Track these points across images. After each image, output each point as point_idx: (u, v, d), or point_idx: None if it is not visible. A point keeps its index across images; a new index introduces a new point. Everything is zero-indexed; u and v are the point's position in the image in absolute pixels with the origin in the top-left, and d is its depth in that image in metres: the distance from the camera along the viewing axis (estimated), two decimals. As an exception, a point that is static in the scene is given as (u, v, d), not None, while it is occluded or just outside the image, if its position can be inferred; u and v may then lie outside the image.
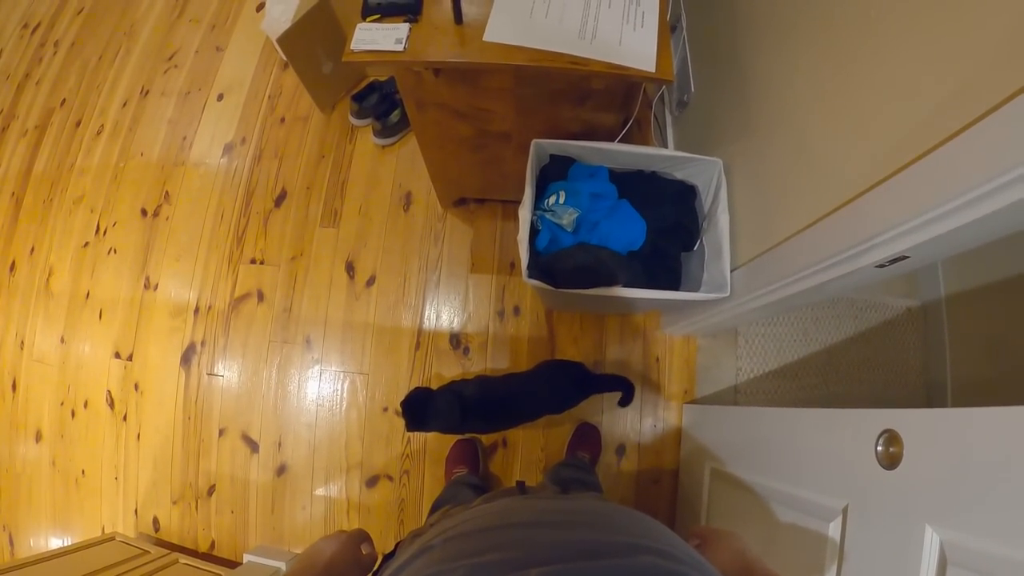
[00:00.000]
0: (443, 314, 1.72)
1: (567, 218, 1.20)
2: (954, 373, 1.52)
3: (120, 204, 2.06)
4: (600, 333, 1.68)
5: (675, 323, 1.60)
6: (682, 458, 1.62)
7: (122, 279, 1.95)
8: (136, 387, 1.85)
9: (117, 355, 1.89)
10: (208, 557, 1.70)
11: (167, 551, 1.68)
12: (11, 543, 1.90)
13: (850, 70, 0.82)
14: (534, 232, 1.24)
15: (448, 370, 1.67)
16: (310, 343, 1.74)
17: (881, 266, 0.77)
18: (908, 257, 0.73)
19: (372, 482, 1.64)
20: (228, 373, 1.77)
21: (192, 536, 1.74)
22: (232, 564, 1.67)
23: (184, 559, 1.65)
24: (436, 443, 1.64)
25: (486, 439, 1.65)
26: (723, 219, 1.21)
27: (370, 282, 1.76)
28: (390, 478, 1.64)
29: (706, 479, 1.42)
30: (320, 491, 1.66)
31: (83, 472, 1.88)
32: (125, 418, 1.85)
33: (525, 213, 1.14)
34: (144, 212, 2.01)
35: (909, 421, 0.70)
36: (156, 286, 1.91)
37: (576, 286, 1.16)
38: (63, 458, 1.90)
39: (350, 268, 1.78)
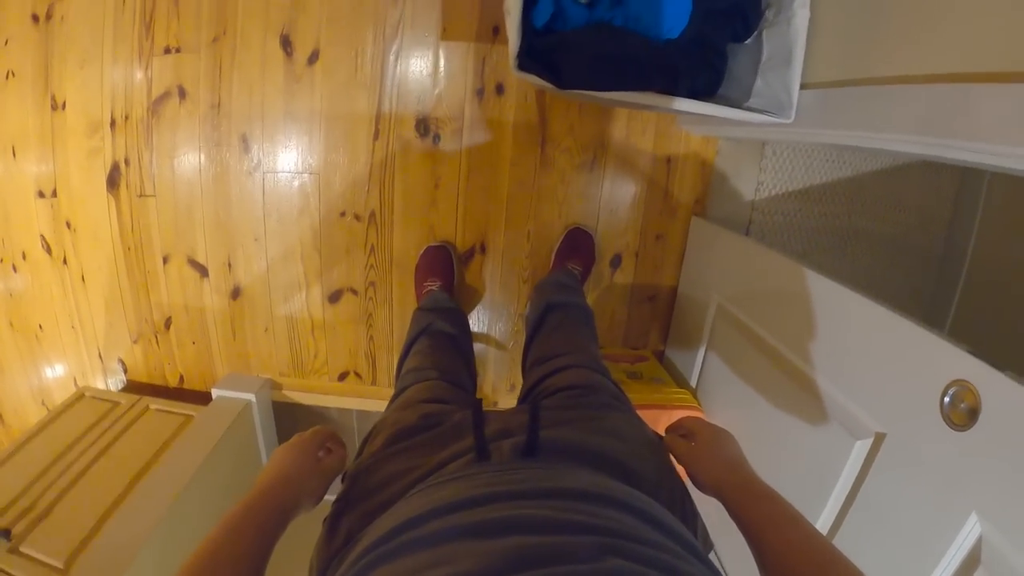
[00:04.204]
0: (407, 94, 1.38)
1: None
2: (977, 240, 1.38)
3: (8, 14, 1.68)
4: (603, 122, 1.36)
5: (696, 123, 1.30)
6: (683, 279, 1.41)
7: (26, 104, 1.62)
8: (68, 225, 1.61)
9: (41, 194, 1.63)
10: (180, 393, 1.57)
11: (137, 398, 1.55)
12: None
13: None
14: (530, 1, 0.88)
15: (416, 162, 1.37)
16: (247, 142, 1.43)
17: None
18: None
19: (335, 297, 1.43)
20: (160, 191, 1.50)
21: (160, 373, 1.60)
22: (204, 396, 1.53)
23: (155, 404, 1.53)
24: (403, 251, 1.41)
25: (461, 245, 1.40)
26: (800, 14, 0.84)
27: (312, 59, 1.40)
28: (354, 291, 1.43)
29: (710, 314, 1.21)
30: (280, 310, 1.46)
31: (40, 327, 1.74)
32: (65, 261, 1.63)
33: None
34: (35, 18, 1.63)
35: (998, 386, 0.52)
36: (64, 104, 1.58)
37: (589, 86, 0.83)
38: (18, 316, 1.75)
39: (286, 43, 1.41)
